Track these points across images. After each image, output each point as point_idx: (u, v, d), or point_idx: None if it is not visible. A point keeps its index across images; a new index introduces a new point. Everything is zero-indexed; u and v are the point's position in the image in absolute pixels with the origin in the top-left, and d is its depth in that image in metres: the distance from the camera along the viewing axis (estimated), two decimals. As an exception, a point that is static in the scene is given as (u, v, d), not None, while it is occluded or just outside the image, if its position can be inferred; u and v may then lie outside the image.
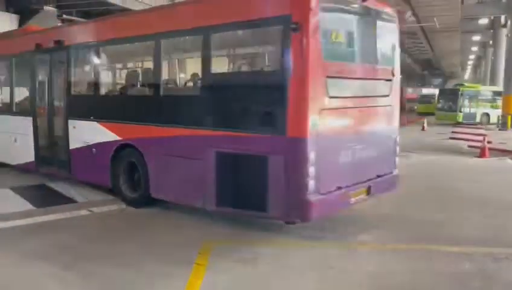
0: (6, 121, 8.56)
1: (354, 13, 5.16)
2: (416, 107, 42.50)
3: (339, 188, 4.81)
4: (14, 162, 8.59)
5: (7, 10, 16.23)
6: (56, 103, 7.47)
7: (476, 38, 34.76)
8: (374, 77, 5.44)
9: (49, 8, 16.12)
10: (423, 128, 22.25)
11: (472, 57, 50.45)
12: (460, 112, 26.02)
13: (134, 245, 4.73)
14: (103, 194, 6.96)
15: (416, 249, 4.70)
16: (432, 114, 33.24)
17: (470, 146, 13.95)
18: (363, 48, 5.25)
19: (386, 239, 5.08)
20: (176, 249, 4.63)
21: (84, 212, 6.02)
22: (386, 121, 5.74)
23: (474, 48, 41.35)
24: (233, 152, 4.82)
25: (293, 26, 4.32)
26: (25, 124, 7.92)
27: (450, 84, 57.92)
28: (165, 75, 6.13)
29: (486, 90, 28.31)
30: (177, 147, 5.49)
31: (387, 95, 5.65)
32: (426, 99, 42.51)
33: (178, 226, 5.48)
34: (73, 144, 7.00)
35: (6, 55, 8.47)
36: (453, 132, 16.69)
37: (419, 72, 68.35)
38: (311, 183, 4.38)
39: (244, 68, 5.57)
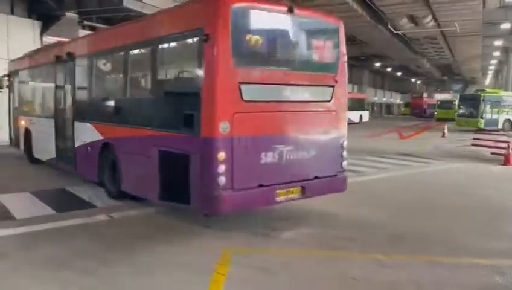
0: (39, 123, 9.80)
1: (279, 24, 5.53)
2: (435, 113, 41.85)
3: (261, 185, 5.18)
4: (44, 159, 9.67)
5: (29, 17, 16.55)
6: (68, 107, 8.41)
7: (498, 43, 34.05)
8: (306, 83, 5.75)
9: (71, 15, 16.38)
10: (443, 135, 21.86)
11: (493, 62, 49.44)
12: (482, 118, 25.53)
13: (154, 253, 4.69)
14: (124, 200, 6.96)
15: (444, 262, 4.54)
16: (452, 120, 32.71)
17: (493, 153, 13.60)
18: (291, 56, 5.70)
19: (417, 251, 4.92)
20: (195, 257, 4.57)
21: (103, 217, 6.02)
22: (326, 125, 5.99)
23: (496, 53, 40.51)
24: (167, 151, 5.38)
25: (203, 38, 4.83)
26: (49, 124, 9.01)
27: (470, 90, 57.02)
28: (123, 82, 6.96)
29: (508, 96, 27.73)
30: (135, 146, 6.22)
31: (328, 101, 5.93)
32: (446, 105, 41.86)
33: (197, 233, 5.43)
34: (77, 143, 7.90)
35: (37, 66, 9.93)
36: (474, 139, 16.26)
37: (438, 78, 67.40)
38: (222, 180, 4.80)
39: (174, 77, 6.05)
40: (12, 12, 16.01)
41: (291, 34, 5.67)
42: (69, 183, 8.09)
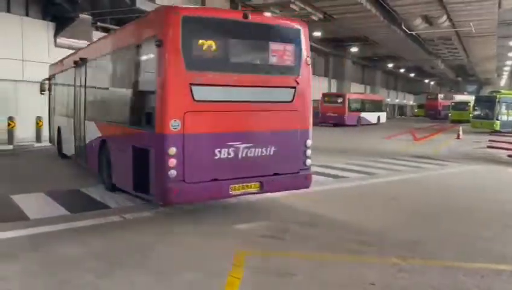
0: (65, 122, 10.80)
1: (234, 30, 5.91)
2: (450, 115, 41.33)
3: (215, 179, 5.59)
4: (69, 154, 10.60)
5: (44, 18, 16.71)
6: (81, 107, 9.09)
7: (514, 43, 33.51)
8: (263, 85, 6.04)
9: (84, 16, 16.49)
10: (458, 137, 21.55)
11: (509, 62, 48.68)
12: (498, 119, 25.11)
13: (167, 254, 4.65)
14: (135, 201, 6.95)
15: (462, 267, 4.41)
16: (467, 122, 32.23)
17: (509, 156, 13.35)
18: (246, 60, 6.21)
19: (434, 255, 4.80)
20: (208, 259, 4.51)
21: (116, 218, 6.00)
22: (287, 124, 6.21)
23: (511, 54, 39.89)
24: (136, 146, 5.95)
25: (156, 43, 5.33)
26: (70, 123, 9.92)
27: (485, 91, 56.17)
28: (109, 85, 7.84)
29: (524, 97, 27.21)
30: (119, 142, 6.94)
31: (290, 101, 6.19)
32: (460, 106, 41.32)
33: (209, 234, 5.38)
34: (87, 140, 8.62)
35: (63, 70, 10.97)
36: (490, 141, 16.00)
37: (452, 79, 66.59)
38: (173, 173, 5.27)
39: (141, 79, 6.34)
40: (27, 14, 16.18)
41: (246, 39, 6.12)
42: (83, 185, 8.11)
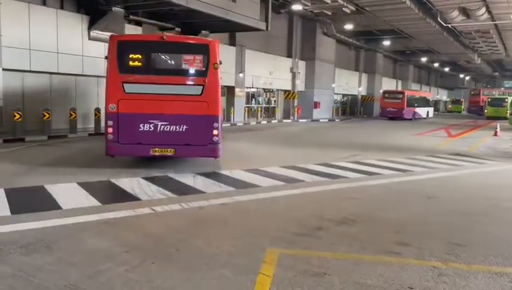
0: None
1: (155, 47, 9.16)
2: (486, 111, 39.92)
3: (139, 143, 8.73)
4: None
5: (78, 11, 16.97)
6: None
7: (557, 37, 31.90)
8: (177, 83, 8.87)
9: (117, 9, 16.65)
10: (495, 134, 20.71)
11: (550, 57, 46.48)
12: (538, 117, 24.03)
13: (197, 249, 4.58)
14: (166, 193, 6.95)
15: (507, 273, 4.15)
16: (503, 118, 31.00)
17: (553, 155, 12.70)
18: (163, 66, 9.43)
19: (477, 259, 4.55)
20: (238, 255, 4.41)
21: (147, 210, 5.99)
22: (197, 110, 8.80)
23: (554, 48, 38.03)
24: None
25: (105, 57, 8.93)
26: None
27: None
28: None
29: None
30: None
31: (199, 95, 8.83)
32: (497, 102, 39.83)
33: (238, 228, 5.28)
34: None
35: None
36: (531, 139, 15.27)
37: (488, 74, 64.19)
38: (110, 136, 8.67)
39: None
40: (61, 7, 16.46)
41: (164, 53, 9.36)
42: (114, 176, 8.19)
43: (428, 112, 40.48)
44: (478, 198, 7.42)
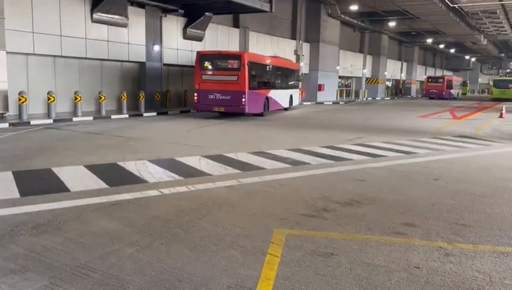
0: None
1: (216, 58, 18.04)
2: (491, 92, 39.58)
3: (208, 104, 17.59)
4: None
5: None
6: None
7: None
8: (226, 75, 17.41)
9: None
10: (501, 116, 20.59)
11: (558, 38, 45.75)
12: (545, 98, 23.83)
13: (206, 230, 4.63)
14: (172, 176, 6.99)
15: (514, 252, 4.18)
16: (509, 100, 30.73)
17: (559, 136, 12.63)
18: (221, 66, 17.82)
19: (482, 240, 4.57)
20: (247, 237, 4.45)
21: (154, 192, 6.04)
22: (235, 88, 17.09)
23: (562, 28, 37.40)
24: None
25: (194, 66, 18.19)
26: None
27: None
28: None
29: None
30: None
31: (236, 80, 17.13)
32: (503, 84, 39.48)
33: (245, 210, 5.32)
34: None
35: None
36: (538, 120, 15.16)
37: (495, 55, 63.37)
38: (199, 99, 17.71)
39: None
40: (64, -11, 16.32)
41: (219, 60, 18.19)
42: (120, 159, 8.22)
43: (458, 92, 51.28)
44: (484, 179, 7.42)
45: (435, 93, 44.85)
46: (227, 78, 17.23)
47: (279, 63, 22.23)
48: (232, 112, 17.57)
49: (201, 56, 17.81)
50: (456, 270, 3.76)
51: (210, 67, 17.54)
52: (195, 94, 17.59)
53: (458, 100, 44.09)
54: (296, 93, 25.16)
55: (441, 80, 46.01)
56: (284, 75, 22.83)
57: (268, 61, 20.68)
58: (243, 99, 16.97)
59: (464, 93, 57.72)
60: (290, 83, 23.82)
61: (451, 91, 46.99)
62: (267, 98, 19.76)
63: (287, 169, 7.86)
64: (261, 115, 19.06)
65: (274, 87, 20.92)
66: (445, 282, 3.54)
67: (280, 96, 21.82)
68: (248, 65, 17.01)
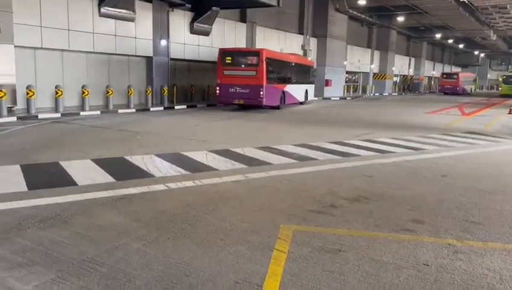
0: None
1: (236, 54, 19.25)
2: (500, 89, 39.19)
3: (229, 97, 18.86)
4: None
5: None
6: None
7: None
8: (245, 70, 18.64)
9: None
10: (510, 112, 20.37)
11: None
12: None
13: (213, 225, 4.61)
14: (179, 170, 6.98)
15: (525, 250, 4.12)
16: (518, 96, 30.35)
17: None
18: (240, 62, 18.96)
19: (492, 237, 4.51)
20: (254, 232, 4.43)
21: (161, 187, 6.03)
22: (253, 82, 18.28)
23: None
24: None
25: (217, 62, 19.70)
26: None
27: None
28: None
29: None
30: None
31: (255, 75, 18.35)
32: (511, 80, 39.04)
33: (252, 205, 5.29)
34: None
35: None
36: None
37: (504, 50, 62.67)
38: (221, 92, 18.97)
39: None
40: (72, -17, 16.33)
41: (240, 56, 19.43)
42: (128, 153, 8.23)
43: (471, 88, 53.05)
44: (494, 176, 7.34)
45: (450, 88, 46.76)
46: (246, 73, 18.43)
47: (295, 60, 23.18)
48: (251, 104, 18.65)
49: (223, 53, 18.95)
50: (465, 268, 3.72)
51: (231, 63, 18.76)
52: (218, 88, 18.87)
53: (466, 96, 43.86)
54: (311, 88, 25.99)
55: (455, 76, 48.10)
56: (299, 71, 23.67)
57: (284, 58, 21.82)
58: (261, 93, 18.09)
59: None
60: (305, 79, 24.67)
61: (465, 87, 49.12)
62: (283, 92, 20.73)
63: (294, 164, 7.82)
64: (277, 107, 20.14)
65: (290, 82, 21.90)
66: (454, 280, 3.50)
67: (296, 90, 22.79)
68: (266, 61, 18.21)
